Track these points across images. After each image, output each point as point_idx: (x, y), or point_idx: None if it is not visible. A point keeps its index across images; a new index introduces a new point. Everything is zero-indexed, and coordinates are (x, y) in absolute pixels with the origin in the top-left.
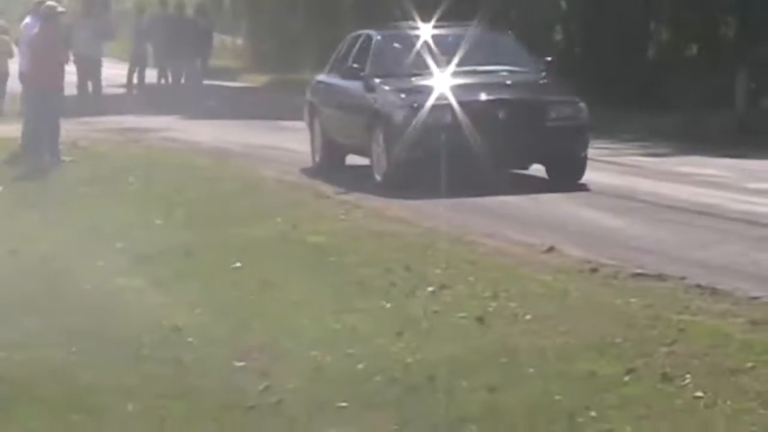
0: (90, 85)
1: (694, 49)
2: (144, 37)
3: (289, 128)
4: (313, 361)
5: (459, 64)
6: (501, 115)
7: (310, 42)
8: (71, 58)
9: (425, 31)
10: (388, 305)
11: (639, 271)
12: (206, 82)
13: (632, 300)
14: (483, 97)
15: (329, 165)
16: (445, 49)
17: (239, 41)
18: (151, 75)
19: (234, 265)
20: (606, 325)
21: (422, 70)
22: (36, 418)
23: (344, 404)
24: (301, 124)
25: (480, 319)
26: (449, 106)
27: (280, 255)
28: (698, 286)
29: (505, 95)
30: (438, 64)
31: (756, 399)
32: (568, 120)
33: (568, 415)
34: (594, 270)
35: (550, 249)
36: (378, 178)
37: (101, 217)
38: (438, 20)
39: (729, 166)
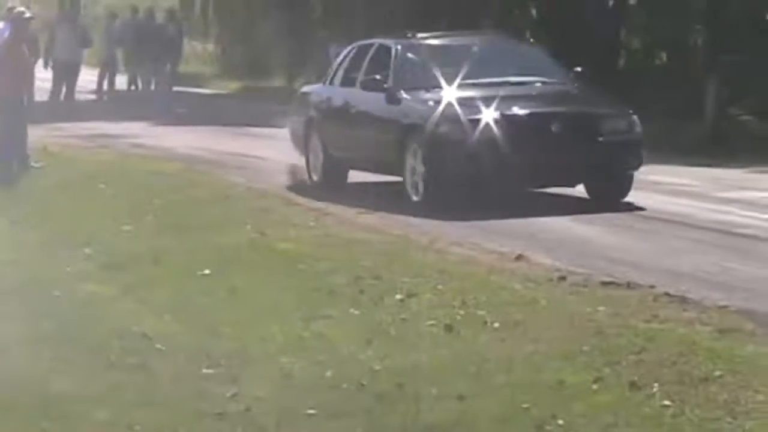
0: (63, 91)
1: (664, 57)
2: (115, 43)
3: (260, 135)
4: (281, 369)
5: (489, 75)
6: (554, 128)
7: (280, 50)
8: (49, 63)
9: (442, 41)
10: (357, 313)
11: (608, 279)
12: (176, 88)
13: (601, 308)
14: (533, 110)
15: (330, 183)
16: (468, 59)
17: (210, 47)
18: (121, 81)
19: (203, 272)
20: (574, 334)
21: (451, 81)
22: (5, 426)
23: (313, 411)
24: (272, 131)
25: (448, 327)
26: (498, 119)
27: (249, 262)
28: (667, 294)
29: (557, 108)
30: (467, 75)
31: (723, 408)
32: (623, 134)
33: (537, 423)
34: (563, 278)
35: (520, 257)
36: (414, 198)
37: (70, 223)
38: (427, 30)
39: (699, 174)
